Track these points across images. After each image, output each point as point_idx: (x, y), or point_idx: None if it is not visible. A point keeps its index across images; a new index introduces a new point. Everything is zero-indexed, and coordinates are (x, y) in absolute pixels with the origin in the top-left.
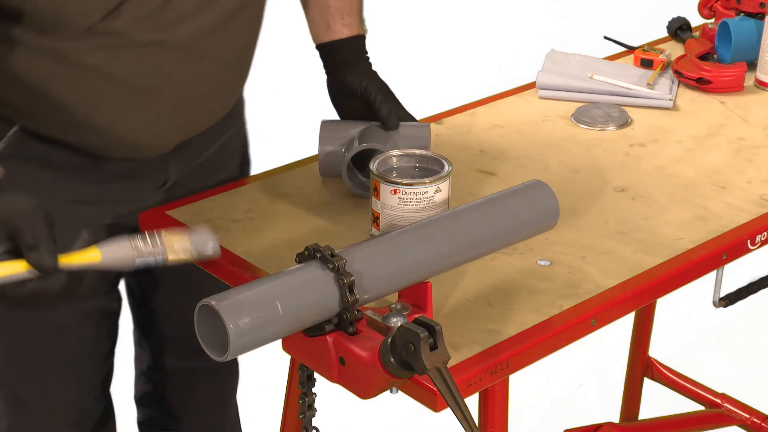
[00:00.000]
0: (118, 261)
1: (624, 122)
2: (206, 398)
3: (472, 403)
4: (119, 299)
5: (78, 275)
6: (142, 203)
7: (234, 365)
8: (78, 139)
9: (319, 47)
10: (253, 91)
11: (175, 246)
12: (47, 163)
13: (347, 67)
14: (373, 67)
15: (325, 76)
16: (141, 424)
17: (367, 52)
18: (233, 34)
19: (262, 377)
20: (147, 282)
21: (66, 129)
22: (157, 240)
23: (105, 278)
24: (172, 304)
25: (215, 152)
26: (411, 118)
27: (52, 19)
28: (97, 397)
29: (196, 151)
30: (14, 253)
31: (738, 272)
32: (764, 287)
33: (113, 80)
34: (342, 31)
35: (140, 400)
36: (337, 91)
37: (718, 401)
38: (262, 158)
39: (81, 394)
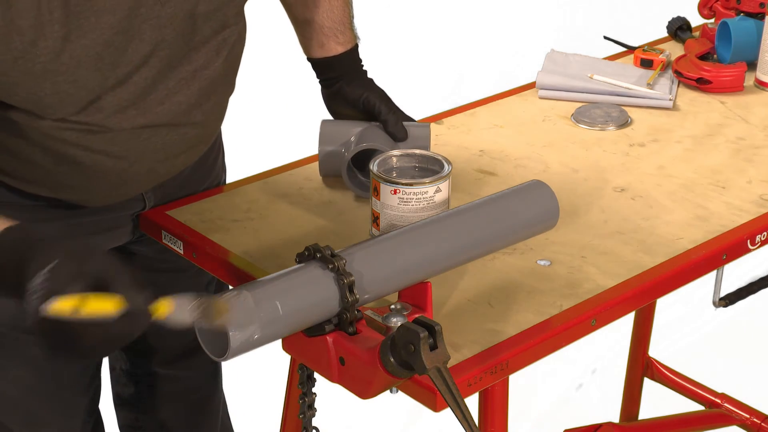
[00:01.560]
0: (178, 320)
1: (624, 122)
2: (186, 403)
3: (472, 403)
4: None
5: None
6: (119, 231)
7: (216, 367)
8: (54, 194)
9: (311, 60)
10: (253, 91)
11: (222, 315)
12: (21, 207)
13: (344, 80)
14: (372, 73)
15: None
16: (122, 428)
17: (361, 61)
18: (216, 98)
19: (262, 377)
20: None
21: (41, 185)
22: (211, 307)
23: None
24: None
25: (191, 170)
26: (410, 120)
27: (25, 108)
28: (84, 419)
29: (172, 180)
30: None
31: (738, 272)
32: (764, 287)
33: (89, 150)
34: (336, 49)
35: (118, 401)
36: (335, 103)
37: (718, 401)
38: (262, 158)
39: (68, 420)
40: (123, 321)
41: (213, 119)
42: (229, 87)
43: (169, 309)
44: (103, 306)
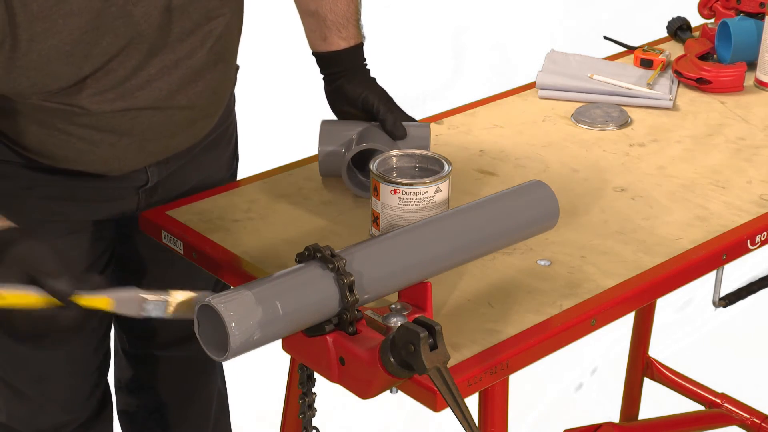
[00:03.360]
0: (125, 312)
1: (624, 122)
2: (179, 390)
3: (472, 403)
4: (109, 285)
5: (89, 313)
6: (122, 202)
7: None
8: (51, 162)
9: (315, 55)
10: (254, 91)
11: (179, 304)
12: (23, 165)
13: (345, 77)
14: (372, 72)
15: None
16: (120, 413)
17: (365, 60)
18: (204, 84)
19: (262, 377)
20: (126, 274)
21: (38, 154)
22: (166, 298)
23: (93, 265)
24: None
25: (200, 152)
26: (411, 119)
27: (7, 94)
28: (94, 383)
29: (177, 159)
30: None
31: (738, 272)
32: (764, 287)
33: (76, 124)
34: (339, 44)
35: (118, 386)
36: (336, 101)
37: (718, 401)
38: (262, 158)
39: (77, 382)
40: (45, 310)
41: (205, 102)
42: (221, 74)
43: (110, 302)
44: (24, 299)
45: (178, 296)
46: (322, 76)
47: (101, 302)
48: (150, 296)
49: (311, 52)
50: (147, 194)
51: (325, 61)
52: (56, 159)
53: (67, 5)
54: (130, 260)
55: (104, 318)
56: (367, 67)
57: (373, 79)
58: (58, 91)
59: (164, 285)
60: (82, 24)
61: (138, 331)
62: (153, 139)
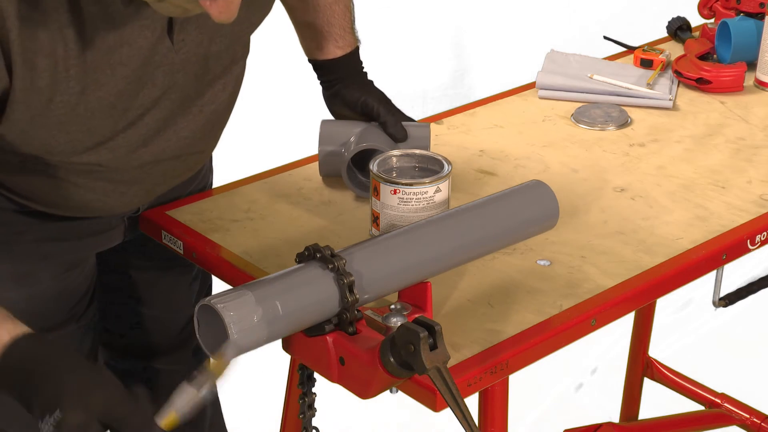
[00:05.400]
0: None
1: (624, 122)
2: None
3: (472, 403)
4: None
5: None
6: (110, 233)
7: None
8: (40, 206)
9: (311, 62)
10: (254, 91)
11: (216, 373)
12: (15, 210)
13: (342, 83)
14: (373, 73)
15: None
16: None
17: (361, 63)
18: (219, 128)
19: (262, 377)
20: (109, 298)
21: (28, 196)
22: (206, 374)
23: (82, 300)
24: (126, 308)
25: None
26: (410, 120)
27: (37, 154)
28: None
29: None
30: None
31: (738, 272)
32: (764, 287)
33: (90, 178)
34: (335, 52)
35: None
36: (335, 105)
37: (718, 401)
38: (262, 158)
39: None
40: None
41: (213, 144)
42: (230, 113)
43: (175, 417)
44: None
45: (215, 367)
46: (320, 82)
47: (173, 421)
48: (198, 383)
49: (307, 59)
50: (131, 221)
51: (322, 68)
52: (51, 205)
53: (118, 54)
54: (113, 286)
55: (93, 344)
56: (364, 70)
57: (371, 82)
58: (86, 150)
59: (148, 304)
60: (128, 74)
61: (120, 347)
62: (162, 183)
